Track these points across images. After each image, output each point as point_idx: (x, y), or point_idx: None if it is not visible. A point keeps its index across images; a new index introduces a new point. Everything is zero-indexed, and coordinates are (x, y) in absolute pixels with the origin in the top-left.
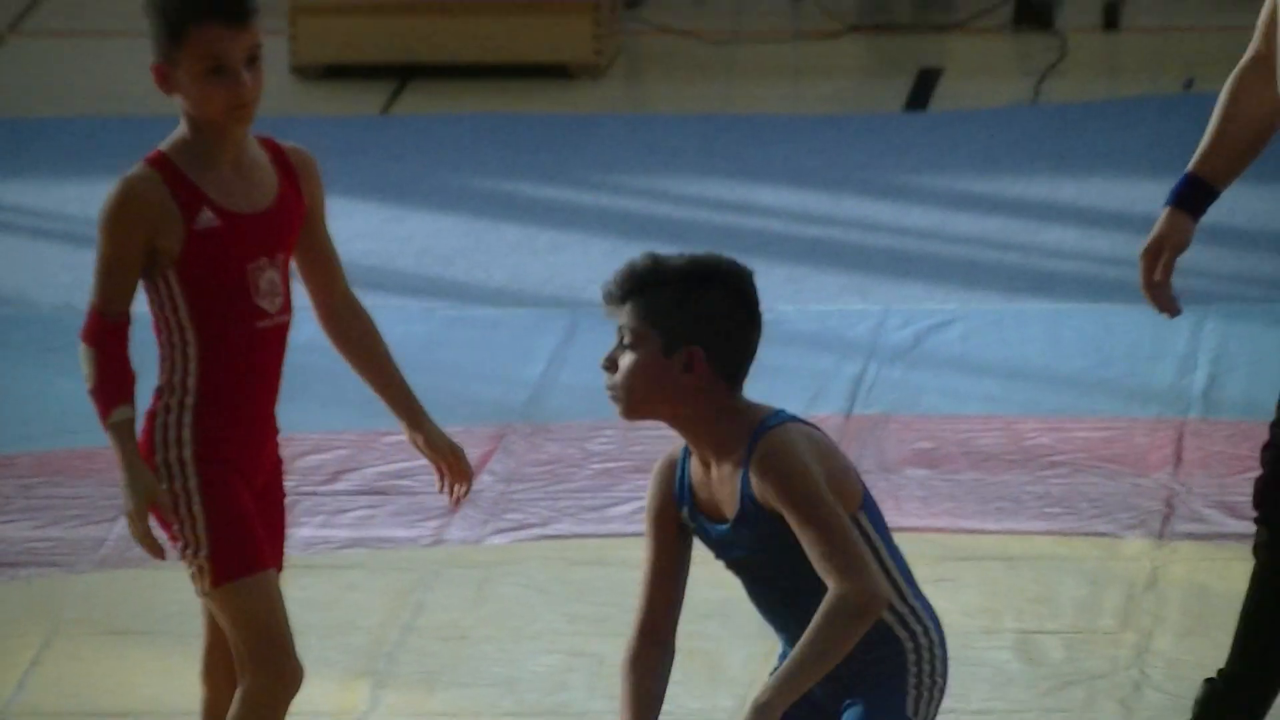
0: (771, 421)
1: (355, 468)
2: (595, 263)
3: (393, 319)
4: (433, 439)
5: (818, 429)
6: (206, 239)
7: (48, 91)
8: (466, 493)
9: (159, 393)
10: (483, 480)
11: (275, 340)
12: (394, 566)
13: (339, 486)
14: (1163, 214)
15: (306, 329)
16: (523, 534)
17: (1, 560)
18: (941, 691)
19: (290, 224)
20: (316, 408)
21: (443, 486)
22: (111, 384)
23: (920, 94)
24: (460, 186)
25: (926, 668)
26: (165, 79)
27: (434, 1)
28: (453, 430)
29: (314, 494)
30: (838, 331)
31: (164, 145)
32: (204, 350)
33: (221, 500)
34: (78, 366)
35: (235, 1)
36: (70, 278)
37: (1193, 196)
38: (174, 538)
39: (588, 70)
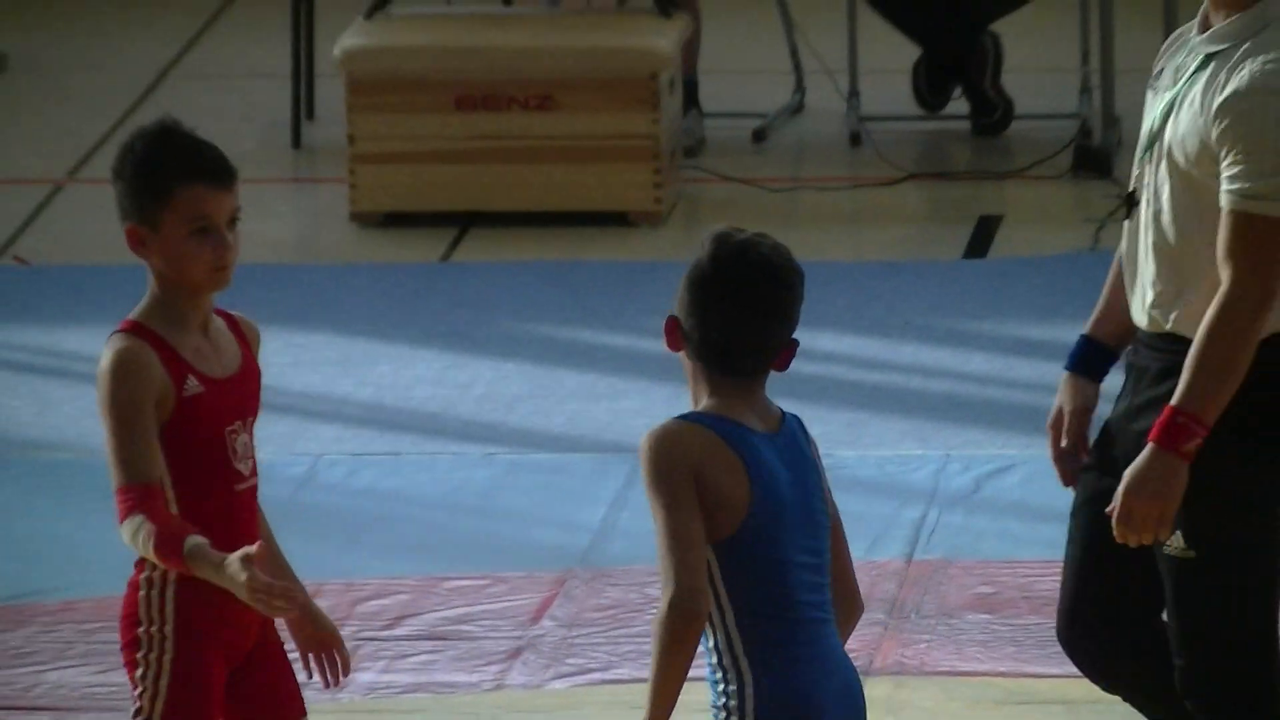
0: (690, 415)
1: (416, 613)
2: (655, 408)
3: (452, 465)
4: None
5: (734, 433)
6: (192, 405)
7: (103, 239)
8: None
9: (140, 565)
10: (544, 625)
11: (250, 502)
12: (457, 711)
13: (400, 631)
14: (1062, 380)
15: (365, 474)
16: (583, 679)
17: (62, 705)
18: None
19: (254, 388)
20: (376, 554)
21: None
22: (168, 531)
23: (980, 241)
24: (520, 333)
25: None
26: (140, 242)
27: (494, 150)
28: (513, 576)
29: (375, 639)
30: (898, 477)
31: (136, 315)
32: (185, 516)
33: (189, 676)
34: None
35: (220, 163)
36: None
37: (1089, 359)
38: (133, 700)
39: (647, 218)
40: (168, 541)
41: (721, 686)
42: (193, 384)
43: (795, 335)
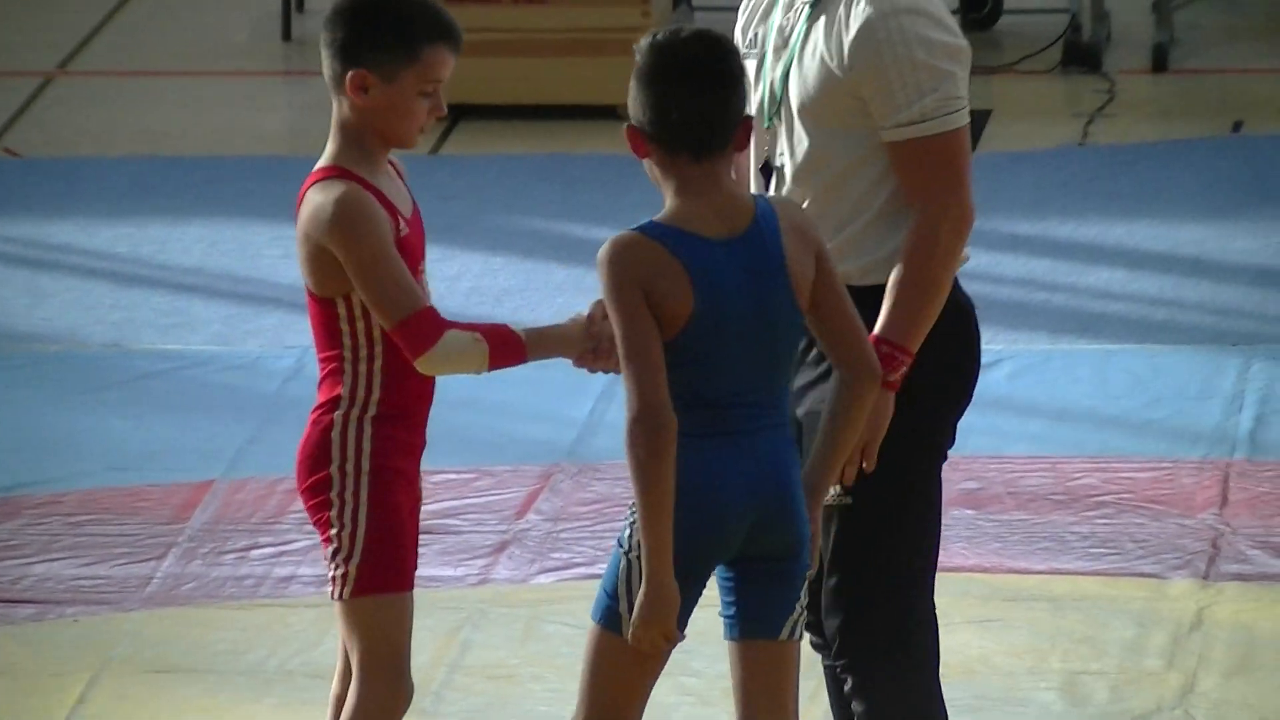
0: (644, 225)
1: None
2: None
3: None
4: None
5: (682, 244)
6: (403, 246)
7: (94, 131)
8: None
9: (331, 405)
10: (529, 520)
11: None
12: (441, 605)
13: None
14: None
15: None
16: (569, 573)
17: (49, 598)
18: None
19: (422, 230)
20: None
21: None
22: (499, 332)
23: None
24: (510, 226)
25: None
26: (363, 88)
27: (484, 43)
28: (500, 470)
29: None
30: None
31: (337, 161)
32: (388, 363)
33: (385, 516)
34: (126, 405)
35: (459, 30)
36: (119, 316)
37: None
38: (327, 540)
39: None
40: (507, 340)
41: None
42: (402, 225)
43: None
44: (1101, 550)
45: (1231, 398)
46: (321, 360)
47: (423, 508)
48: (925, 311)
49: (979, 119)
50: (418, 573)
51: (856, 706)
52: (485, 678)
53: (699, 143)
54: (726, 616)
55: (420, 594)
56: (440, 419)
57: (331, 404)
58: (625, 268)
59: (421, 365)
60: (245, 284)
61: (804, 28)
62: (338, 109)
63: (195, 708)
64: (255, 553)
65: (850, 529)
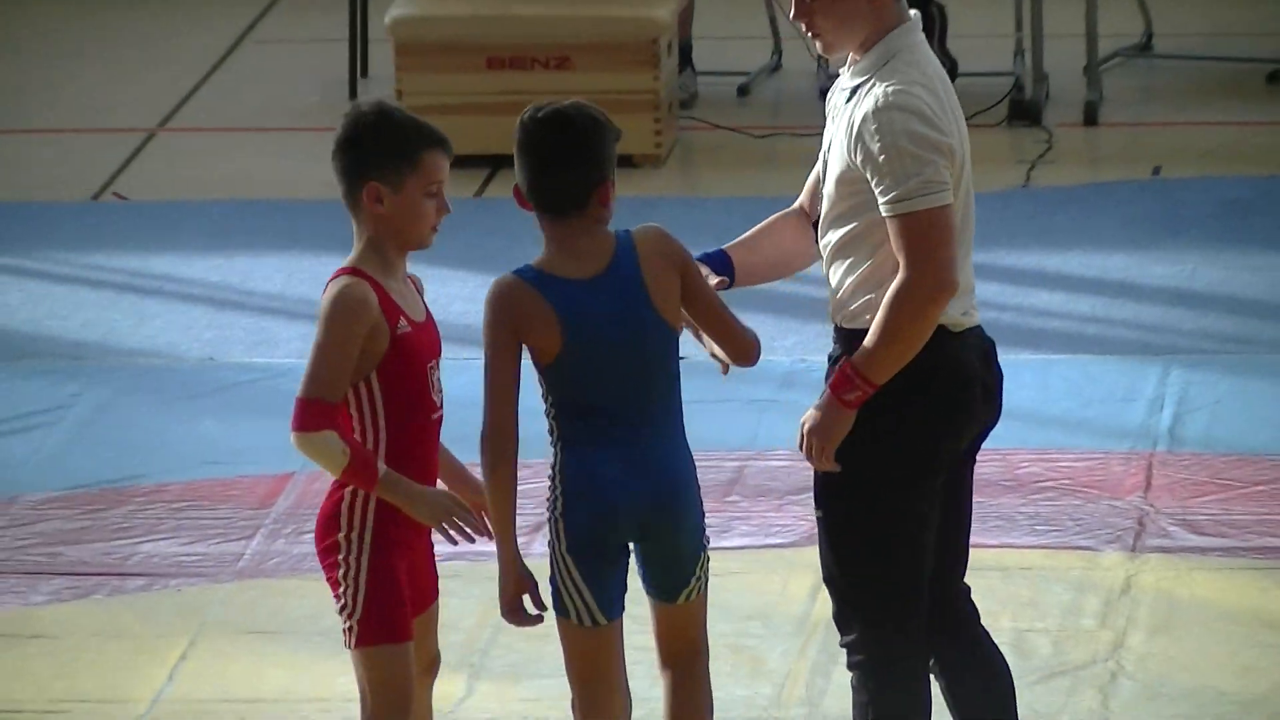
0: (521, 269)
1: None
2: None
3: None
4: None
5: (551, 286)
6: (404, 342)
7: (189, 179)
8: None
9: (343, 482)
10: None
11: (438, 430)
12: (486, 576)
13: None
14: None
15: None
16: None
17: (155, 572)
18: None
19: (438, 332)
20: None
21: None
22: (364, 454)
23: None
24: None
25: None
26: (378, 199)
27: (520, 103)
28: (534, 462)
29: None
30: None
31: (354, 262)
32: (391, 442)
33: (383, 577)
34: (219, 410)
35: (447, 139)
36: (212, 334)
37: (714, 258)
38: (337, 597)
39: (649, 160)
40: (365, 464)
41: (551, 459)
42: (403, 324)
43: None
44: (1045, 528)
45: (1153, 399)
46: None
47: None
48: (888, 352)
49: None
50: (467, 549)
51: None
52: (523, 638)
53: (552, 207)
54: (641, 583)
55: (469, 566)
56: (476, 421)
57: (341, 481)
58: (500, 308)
59: (294, 439)
60: (318, 307)
61: (842, 109)
62: (357, 227)
63: (279, 664)
64: None
65: (822, 542)
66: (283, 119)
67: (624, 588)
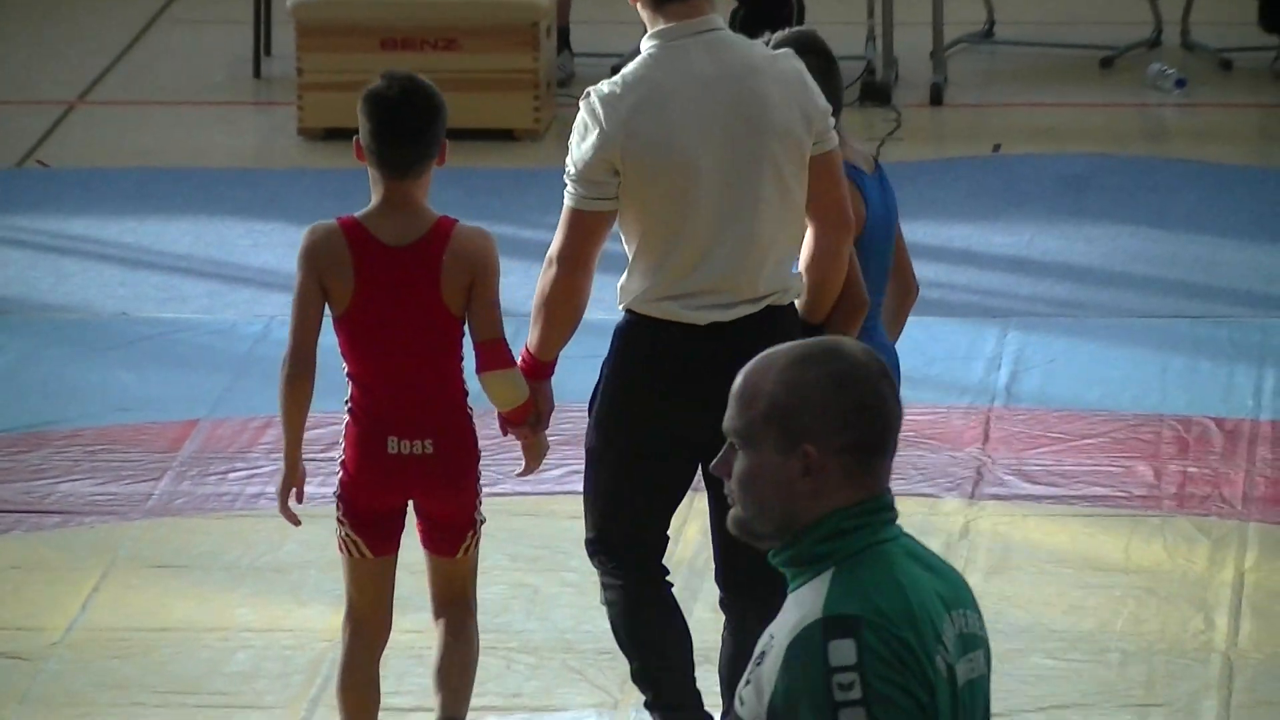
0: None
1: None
2: (534, 283)
3: None
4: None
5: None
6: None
7: (105, 147)
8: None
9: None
10: None
11: None
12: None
13: (334, 454)
14: None
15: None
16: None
17: (71, 510)
18: None
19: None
20: (316, 393)
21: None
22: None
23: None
24: None
25: None
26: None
27: None
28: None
29: (315, 459)
30: None
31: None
32: None
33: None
34: (131, 361)
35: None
36: (125, 291)
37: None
38: (479, 516)
39: (529, 134)
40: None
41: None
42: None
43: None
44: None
45: (992, 358)
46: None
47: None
48: (533, 329)
49: None
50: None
51: None
52: (408, 573)
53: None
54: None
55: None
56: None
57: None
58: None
59: (493, 377)
60: (223, 267)
61: None
62: (422, 189)
63: (185, 596)
64: (232, 475)
65: None
66: (193, 93)
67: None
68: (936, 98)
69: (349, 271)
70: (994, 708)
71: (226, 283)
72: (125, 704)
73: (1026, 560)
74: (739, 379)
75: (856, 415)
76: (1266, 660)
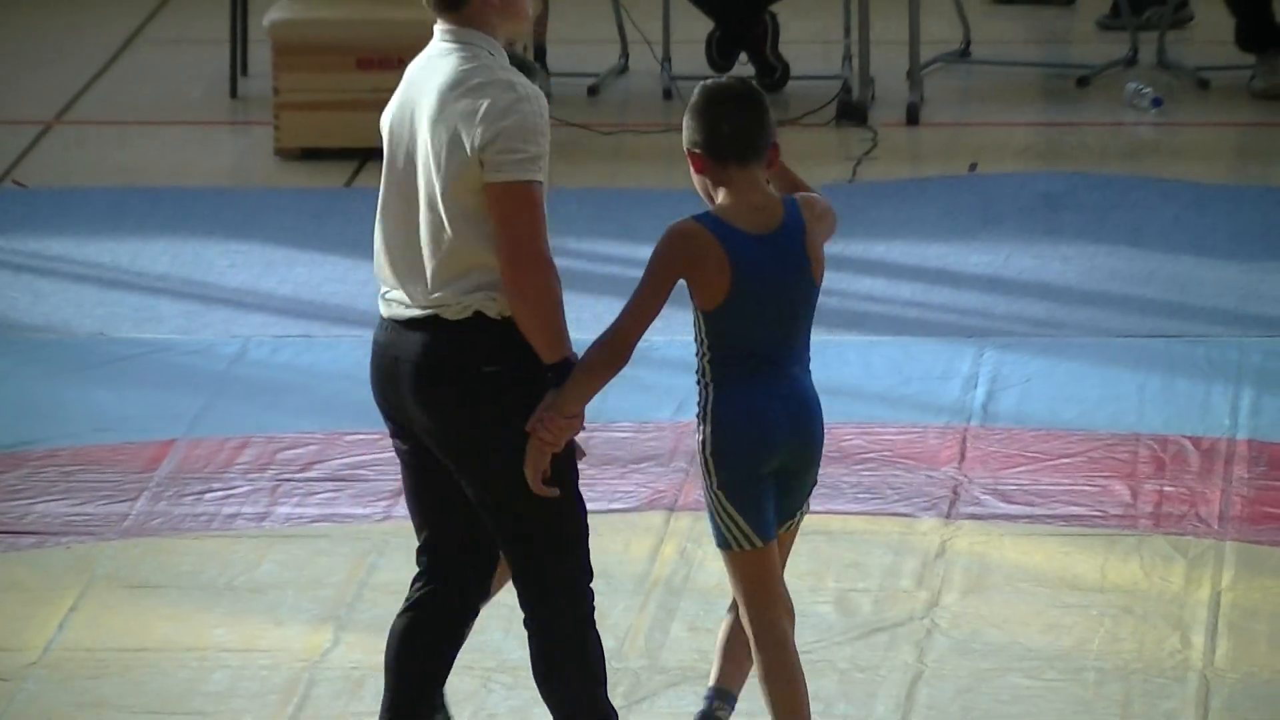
0: (702, 215)
1: (324, 459)
2: None
3: (353, 346)
4: None
5: (727, 236)
6: None
7: (83, 167)
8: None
9: None
10: None
11: None
12: (353, 537)
13: (311, 474)
14: None
15: (285, 352)
16: None
17: (48, 530)
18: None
19: None
20: (293, 414)
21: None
22: None
23: None
24: None
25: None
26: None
27: (387, 100)
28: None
29: (291, 479)
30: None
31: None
32: None
33: None
34: (108, 381)
35: None
36: (102, 311)
37: None
38: None
39: None
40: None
41: (698, 398)
42: None
43: (616, 264)
44: (867, 495)
45: (968, 378)
46: None
47: (339, 460)
48: None
49: None
50: (335, 511)
51: None
52: (387, 593)
53: (731, 155)
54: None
55: (337, 528)
56: (353, 392)
57: None
58: (676, 251)
59: None
60: (200, 286)
61: None
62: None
63: (161, 615)
64: (208, 495)
65: None
66: (170, 113)
67: (776, 511)
68: (913, 117)
69: None
70: None
71: (203, 302)
72: None
73: (1003, 580)
74: None
75: None
76: (1243, 679)
